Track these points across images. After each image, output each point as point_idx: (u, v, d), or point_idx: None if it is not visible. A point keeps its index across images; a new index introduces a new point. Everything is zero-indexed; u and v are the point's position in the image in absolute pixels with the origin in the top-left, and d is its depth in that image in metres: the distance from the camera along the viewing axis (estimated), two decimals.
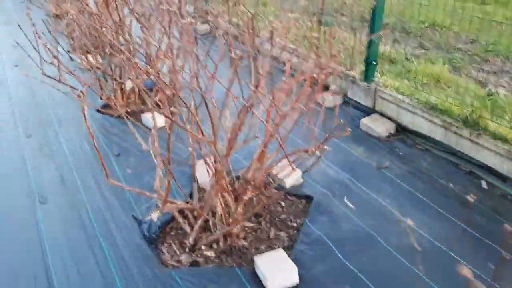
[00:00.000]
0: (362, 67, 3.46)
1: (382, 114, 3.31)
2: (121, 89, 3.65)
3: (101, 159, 2.01)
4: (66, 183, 2.71)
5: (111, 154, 3.01)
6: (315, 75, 1.93)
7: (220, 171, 2.09)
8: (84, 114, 1.94)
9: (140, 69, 1.94)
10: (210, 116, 1.83)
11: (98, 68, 3.43)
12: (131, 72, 2.90)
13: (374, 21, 3.24)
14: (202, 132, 2.12)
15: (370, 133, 3.20)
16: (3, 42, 5.24)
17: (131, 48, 3.13)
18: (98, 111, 3.62)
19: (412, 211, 2.41)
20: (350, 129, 2.03)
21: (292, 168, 1.97)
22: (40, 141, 3.19)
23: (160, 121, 3.33)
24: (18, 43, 1.90)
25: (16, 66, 4.45)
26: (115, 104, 3.08)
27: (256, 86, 1.88)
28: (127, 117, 1.92)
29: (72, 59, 3.08)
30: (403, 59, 4.11)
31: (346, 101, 3.61)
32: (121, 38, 3.42)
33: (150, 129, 3.50)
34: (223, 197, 2.30)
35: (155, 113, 2.54)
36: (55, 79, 1.74)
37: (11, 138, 3.24)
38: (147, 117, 3.48)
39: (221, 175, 2.14)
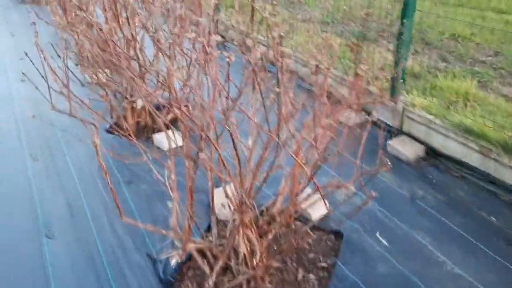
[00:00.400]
0: (386, 84, 3.26)
1: (410, 136, 3.10)
2: (132, 107, 3.47)
3: (115, 199, 1.82)
4: (75, 214, 2.52)
5: (122, 181, 2.82)
6: (353, 103, 1.74)
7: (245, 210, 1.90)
8: (97, 149, 1.75)
9: (157, 99, 1.75)
10: (236, 154, 1.63)
11: (108, 86, 3.26)
12: (142, 91, 2.71)
13: (402, 36, 3.04)
14: (224, 164, 1.93)
15: (398, 156, 2.99)
16: (9, 54, 5.09)
17: (143, 69, 2.95)
18: (108, 131, 3.43)
19: (454, 250, 2.19)
20: (390, 164, 1.83)
21: (327, 209, 1.76)
22: (47, 165, 3.01)
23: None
24: (24, 74, 1.72)
25: (23, 81, 4.28)
26: (126, 128, 2.89)
27: (287, 118, 1.68)
28: (146, 147, 1.72)
29: (83, 85, 2.89)
30: (426, 74, 3.90)
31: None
32: (132, 53, 3.24)
33: (162, 150, 3.33)
34: (245, 234, 2.10)
35: (169, 134, 2.34)
36: (66, 113, 1.54)
37: (17, 161, 3.05)
38: (158, 138, 3.29)
39: (245, 212, 1.94)
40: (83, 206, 2.60)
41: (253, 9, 2.01)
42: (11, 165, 3.02)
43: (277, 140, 1.46)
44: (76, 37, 2.84)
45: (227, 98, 1.36)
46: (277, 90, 1.27)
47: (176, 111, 1.43)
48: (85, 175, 2.88)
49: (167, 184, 2.03)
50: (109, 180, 1.86)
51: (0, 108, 3.83)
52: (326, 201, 1.91)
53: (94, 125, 1.68)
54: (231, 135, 1.53)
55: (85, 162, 3.02)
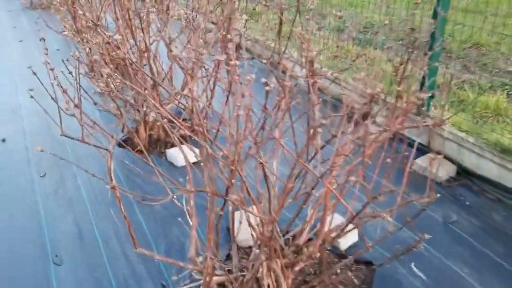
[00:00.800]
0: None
1: (439, 154, 2.91)
2: (144, 120, 3.32)
3: (129, 228, 1.66)
4: (84, 238, 2.36)
5: (134, 200, 2.66)
6: (395, 129, 1.57)
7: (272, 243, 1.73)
8: (111, 177, 1.60)
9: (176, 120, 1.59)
10: (268, 189, 1.47)
11: (119, 98, 3.11)
12: (155, 104, 2.56)
13: (432, 48, 2.86)
14: (249, 192, 1.76)
15: (427, 176, 2.80)
16: (17, 61, 4.97)
17: (157, 82, 2.80)
18: (119, 145, 3.28)
19: (496, 284, 2.00)
20: (438, 195, 1.66)
21: (368, 246, 1.59)
22: (55, 182, 2.86)
23: (191, 157, 2.99)
24: (33, 97, 1.57)
25: (31, 95, 4.14)
26: (138, 144, 2.75)
27: (321, 147, 1.52)
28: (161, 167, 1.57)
29: (95, 103, 2.75)
30: (451, 86, 3.72)
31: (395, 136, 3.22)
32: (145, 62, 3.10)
33: (176, 167, 3.17)
34: (270, 266, 1.93)
35: (184, 149, 2.18)
36: (77, 139, 1.39)
37: (23, 177, 2.91)
38: (172, 153, 3.13)
39: (273, 247, 1.78)
40: (92, 227, 2.44)
41: (281, 22, 1.85)
42: (17, 182, 2.87)
43: (316, 175, 1.29)
44: (88, 49, 2.69)
45: (263, 129, 1.19)
46: (324, 121, 1.10)
47: (203, 143, 1.27)
48: (96, 194, 2.73)
49: (186, 210, 1.87)
50: (122, 209, 1.70)
51: (8, 120, 3.70)
52: (359, 234, 1.74)
53: (109, 150, 1.53)
54: (263, 168, 1.36)
55: (96, 180, 2.86)
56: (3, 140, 3.32)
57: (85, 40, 2.27)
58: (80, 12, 2.01)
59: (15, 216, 2.55)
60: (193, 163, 2.05)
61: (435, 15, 2.82)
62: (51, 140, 3.34)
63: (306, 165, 1.36)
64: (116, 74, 1.90)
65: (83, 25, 3.38)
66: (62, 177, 2.91)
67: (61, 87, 1.49)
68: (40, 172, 2.96)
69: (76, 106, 1.57)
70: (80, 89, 1.51)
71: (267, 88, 1.02)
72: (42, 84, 1.51)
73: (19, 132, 3.47)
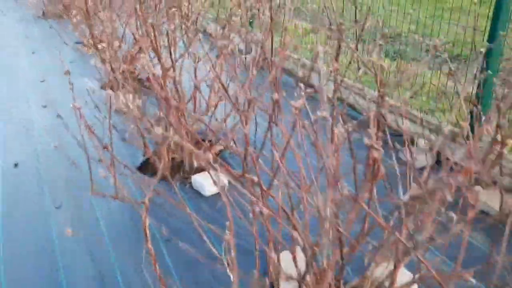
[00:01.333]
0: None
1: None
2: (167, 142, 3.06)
3: None
4: (105, 282, 2.09)
5: (159, 236, 2.40)
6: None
7: None
8: (146, 233, 1.33)
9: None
10: (341, 257, 1.19)
11: (140, 119, 2.86)
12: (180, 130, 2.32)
13: (488, 63, 2.60)
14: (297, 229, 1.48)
15: (487, 212, 2.50)
16: (29, 75, 4.74)
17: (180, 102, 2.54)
18: (139, 169, 3.03)
19: None
20: None
21: None
22: (72, 214, 2.60)
23: (213, 188, 2.74)
24: (56, 147, 1.31)
25: (45, 106, 3.91)
26: (160, 169, 2.49)
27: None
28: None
29: (124, 140, 2.49)
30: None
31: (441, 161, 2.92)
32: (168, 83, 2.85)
33: (202, 195, 2.90)
34: None
35: (211, 176, 1.91)
36: (111, 196, 1.13)
37: (37, 209, 2.64)
38: (198, 180, 2.86)
39: None
40: (113, 268, 2.18)
41: (339, 46, 1.57)
42: (30, 215, 2.61)
43: (408, 246, 1.01)
44: (108, 66, 2.44)
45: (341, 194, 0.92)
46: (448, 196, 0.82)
47: (258, 203, 1.00)
48: (118, 232, 2.46)
49: (225, 263, 1.60)
50: (157, 269, 1.44)
51: (19, 139, 3.46)
52: None
53: (144, 203, 1.27)
54: (323, 220, 1.08)
55: (117, 211, 2.60)
56: (16, 165, 3.07)
57: (107, 61, 2.02)
58: (105, 36, 1.76)
59: (27, 254, 2.29)
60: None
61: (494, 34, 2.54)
62: (65, 163, 3.08)
63: (401, 239, 1.08)
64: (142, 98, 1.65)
65: (102, 39, 3.14)
66: (79, 208, 2.65)
67: (89, 128, 1.22)
68: (55, 202, 2.70)
69: (105, 148, 1.30)
70: (112, 144, 1.24)
71: (375, 155, 0.74)
72: (68, 129, 1.25)
73: (32, 154, 3.22)
